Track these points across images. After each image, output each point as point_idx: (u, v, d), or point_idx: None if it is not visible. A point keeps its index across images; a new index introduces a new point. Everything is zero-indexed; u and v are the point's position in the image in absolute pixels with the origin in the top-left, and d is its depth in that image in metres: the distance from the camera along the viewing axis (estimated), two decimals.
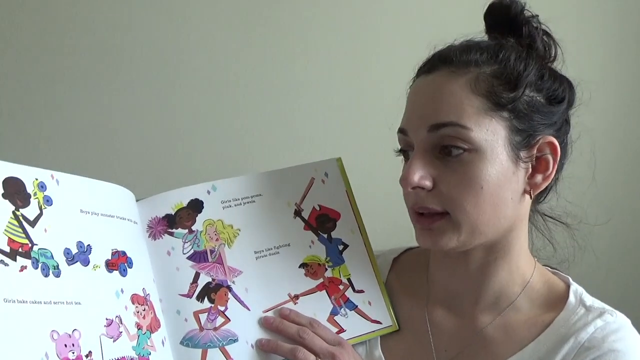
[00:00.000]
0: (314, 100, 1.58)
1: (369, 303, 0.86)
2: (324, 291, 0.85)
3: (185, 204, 0.85)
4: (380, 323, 0.85)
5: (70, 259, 0.68)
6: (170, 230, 0.83)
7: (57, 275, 0.66)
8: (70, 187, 0.72)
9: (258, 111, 1.56)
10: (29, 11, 1.48)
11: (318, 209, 0.89)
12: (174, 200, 0.85)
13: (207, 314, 0.80)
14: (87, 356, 0.65)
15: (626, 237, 1.67)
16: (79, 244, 0.70)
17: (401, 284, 0.90)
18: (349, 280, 0.87)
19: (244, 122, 1.56)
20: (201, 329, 0.79)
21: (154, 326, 0.75)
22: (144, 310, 0.75)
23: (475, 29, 0.82)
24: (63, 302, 0.65)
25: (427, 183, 0.75)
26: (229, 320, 0.80)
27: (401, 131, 0.79)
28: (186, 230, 0.84)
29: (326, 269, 0.86)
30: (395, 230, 0.93)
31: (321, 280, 0.86)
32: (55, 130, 1.49)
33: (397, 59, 0.86)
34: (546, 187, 0.80)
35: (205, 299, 0.81)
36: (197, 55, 1.54)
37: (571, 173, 0.83)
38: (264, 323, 0.81)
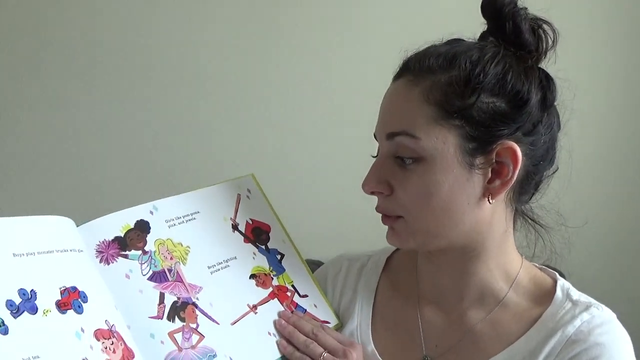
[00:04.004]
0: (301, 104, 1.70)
1: (315, 306, 0.89)
2: (276, 299, 0.86)
3: (132, 225, 0.80)
4: (329, 323, 0.88)
5: (15, 310, 0.60)
6: (123, 252, 0.78)
7: (5, 332, 0.58)
8: None
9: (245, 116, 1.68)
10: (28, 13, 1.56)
11: (251, 222, 0.91)
12: (120, 222, 0.80)
13: (181, 333, 0.77)
14: None
15: (606, 236, 1.79)
16: (21, 292, 0.62)
17: (393, 282, 0.91)
18: (293, 286, 0.89)
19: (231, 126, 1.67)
20: (180, 349, 0.75)
21: (127, 357, 0.69)
22: (112, 344, 0.68)
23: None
24: None
25: (384, 188, 0.77)
26: (203, 336, 0.78)
27: (375, 137, 0.81)
28: (140, 252, 0.79)
29: (272, 278, 0.88)
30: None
31: (271, 289, 0.87)
32: (55, 130, 1.57)
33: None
34: (527, 190, 0.78)
35: (176, 318, 0.77)
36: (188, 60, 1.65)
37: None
38: (279, 327, 0.83)
